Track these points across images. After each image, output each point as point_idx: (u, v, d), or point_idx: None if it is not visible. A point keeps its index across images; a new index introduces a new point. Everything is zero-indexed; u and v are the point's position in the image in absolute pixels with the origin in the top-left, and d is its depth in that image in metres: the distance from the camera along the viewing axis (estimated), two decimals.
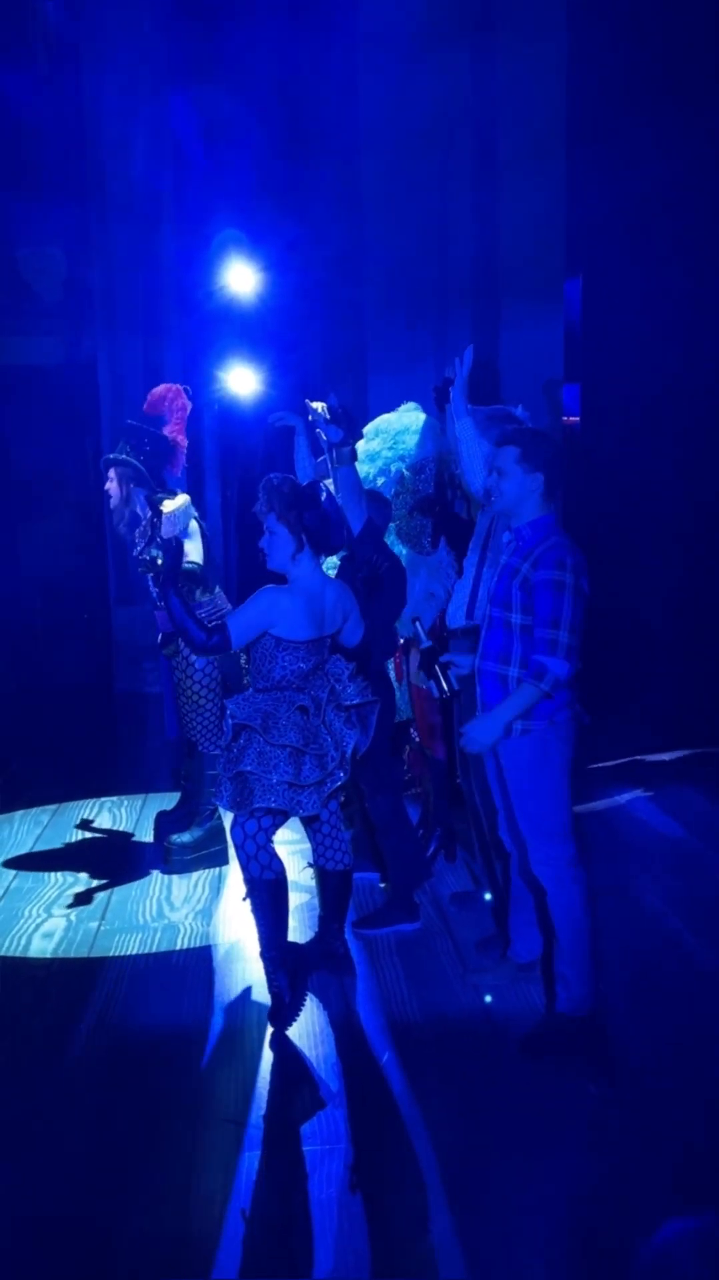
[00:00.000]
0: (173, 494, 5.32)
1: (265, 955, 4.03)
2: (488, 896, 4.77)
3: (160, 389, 5.53)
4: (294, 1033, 3.94)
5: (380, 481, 5.12)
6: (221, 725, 5.39)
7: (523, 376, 8.51)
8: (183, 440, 5.46)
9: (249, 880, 4.01)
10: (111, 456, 5.36)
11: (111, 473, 5.36)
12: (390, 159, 8.51)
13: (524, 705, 3.65)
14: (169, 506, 5.25)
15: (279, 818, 4.02)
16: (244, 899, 4.12)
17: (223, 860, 5.50)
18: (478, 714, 3.88)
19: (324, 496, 4.03)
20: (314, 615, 3.99)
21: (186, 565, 5.28)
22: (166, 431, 5.41)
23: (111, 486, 5.38)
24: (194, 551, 5.33)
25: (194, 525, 5.36)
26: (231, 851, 5.55)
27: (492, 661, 3.81)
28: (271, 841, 4.00)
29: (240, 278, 8.21)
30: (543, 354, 8.58)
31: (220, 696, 5.41)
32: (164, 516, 5.23)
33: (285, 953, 4.04)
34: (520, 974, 4.22)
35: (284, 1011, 3.95)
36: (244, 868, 4.00)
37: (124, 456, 5.31)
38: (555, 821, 3.79)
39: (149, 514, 5.34)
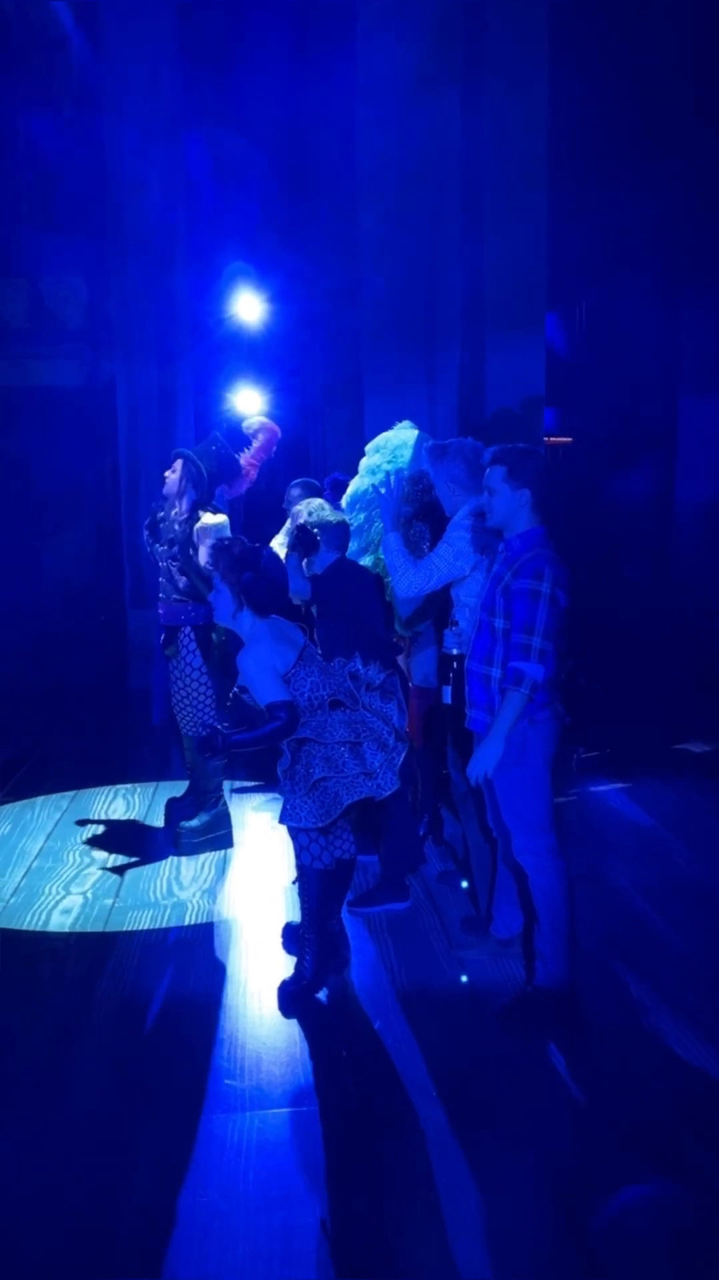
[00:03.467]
0: (216, 511, 5.31)
1: (305, 936, 4.01)
2: (464, 884, 4.76)
3: (267, 424, 5.64)
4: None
5: (383, 491, 5.14)
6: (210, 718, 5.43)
7: (506, 401, 8.54)
8: (251, 473, 5.48)
9: (300, 867, 3.99)
10: (185, 451, 5.31)
11: (178, 464, 5.31)
12: (386, 197, 8.52)
13: (514, 715, 3.60)
14: (208, 519, 5.23)
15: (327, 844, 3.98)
16: (293, 883, 4.10)
17: (228, 843, 5.50)
18: (466, 712, 3.89)
19: (266, 558, 3.96)
20: (282, 639, 3.94)
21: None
22: (244, 454, 5.43)
23: (172, 476, 5.31)
24: None
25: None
26: (238, 835, 5.58)
27: (477, 662, 3.80)
28: (323, 835, 3.95)
29: (247, 307, 8.24)
30: (525, 379, 8.60)
31: (216, 691, 5.41)
32: (198, 527, 5.21)
33: (323, 939, 4.02)
34: (500, 949, 4.23)
35: (301, 990, 3.95)
36: (297, 856, 3.98)
37: (192, 454, 5.27)
38: (536, 813, 3.78)
39: (186, 516, 5.30)
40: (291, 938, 4.30)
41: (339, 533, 4.79)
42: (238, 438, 5.46)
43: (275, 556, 4.02)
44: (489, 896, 4.33)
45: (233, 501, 6.03)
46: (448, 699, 4.32)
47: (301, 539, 4.68)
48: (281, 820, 3.92)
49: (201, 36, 8.84)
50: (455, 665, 4.23)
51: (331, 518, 4.81)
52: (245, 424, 5.57)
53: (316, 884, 3.97)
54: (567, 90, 8.50)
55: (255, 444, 5.59)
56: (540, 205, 8.56)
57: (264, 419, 5.64)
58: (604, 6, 8.67)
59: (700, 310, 9.00)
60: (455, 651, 4.24)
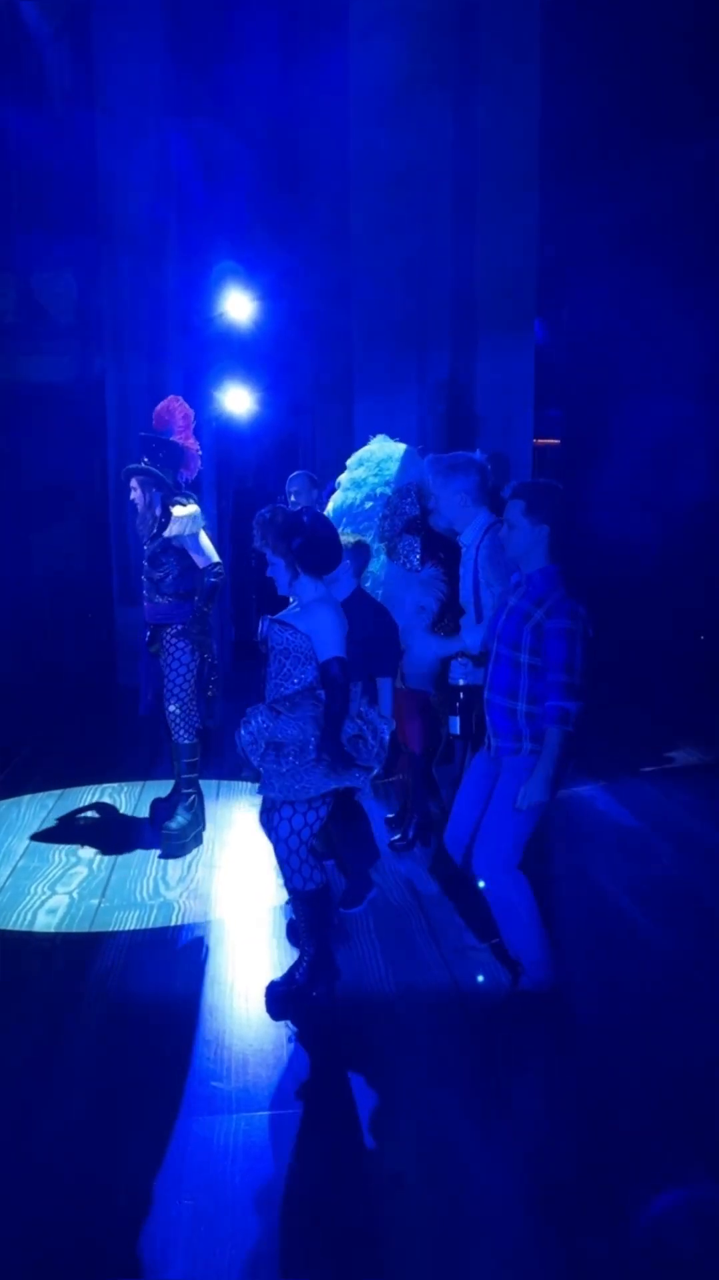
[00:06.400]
0: (184, 499, 5.34)
1: (304, 946, 3.99)
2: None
3: (163, 403, 5.54)
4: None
5: (369, 506, 5.13)
6: (193, 716, 5.42)
7: (497, 401, 8.54)
8: (191, 444, 5.45)
9: (293, 891, 3.93)
10: (131, 467, 5.37)
11: (134, 481, 5.36)
12: (376, 197, 8.50)
13: (557, 751, 3.68)
14: (180, 511, 5.27)
15: (316, 823, 3.88)
16: (286, 902, 4.09)
17: (200, 840, 5.52)
18: (491, 741, 3.89)
19: (310, 520, 3.92)
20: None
21: (216, 576, 5.31)
22: (175, 438, 5.41)
23: (136, 495, 5.38)
24: (211, 554, 5.37)
25: (203, 536, 5.35)
26: (226, 835, 5.56)
27: (500, 696, 3.83)
28: (313, 853, 3.91)
29: (237, 305, 8.22)
30: (515, 380, 8.60)
31: (197, 689, 5.41)
32: (173, 519, 5.26)
33: (321, 952, 3.97)
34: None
35: (289, 993, 3.92)
36: (287, 880, 3.92)
37: (141, 465, 5.32)
38: (517, 835, 3.81)
39: (160, 514, 5.34)
40: (295, 932, 4.28)
41: (359, 555, 4.78)
42: (161, 436, 5.45)
43: (320, 515, 3.98)
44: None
45: (221, 504, 6.01)
46: (455, 729, 4.33)
47: None
48: (283, 794, 3.80)
49: (191, 34, 8.81)
50: (463, 695, 4.24)
51: (351, 539, 4.76)
52: (155, 420, 5.52)
53: (310, 907, 3.94)
54: (559, 91, 8.50)
55: (175, 424, 5.49)
56: (531, 205, 8.57)
57: (162, 402, 5.57)
58: (597, 8, 8.67)
59: (699, 309, 9.01)
60: (463, 683, 4.24)
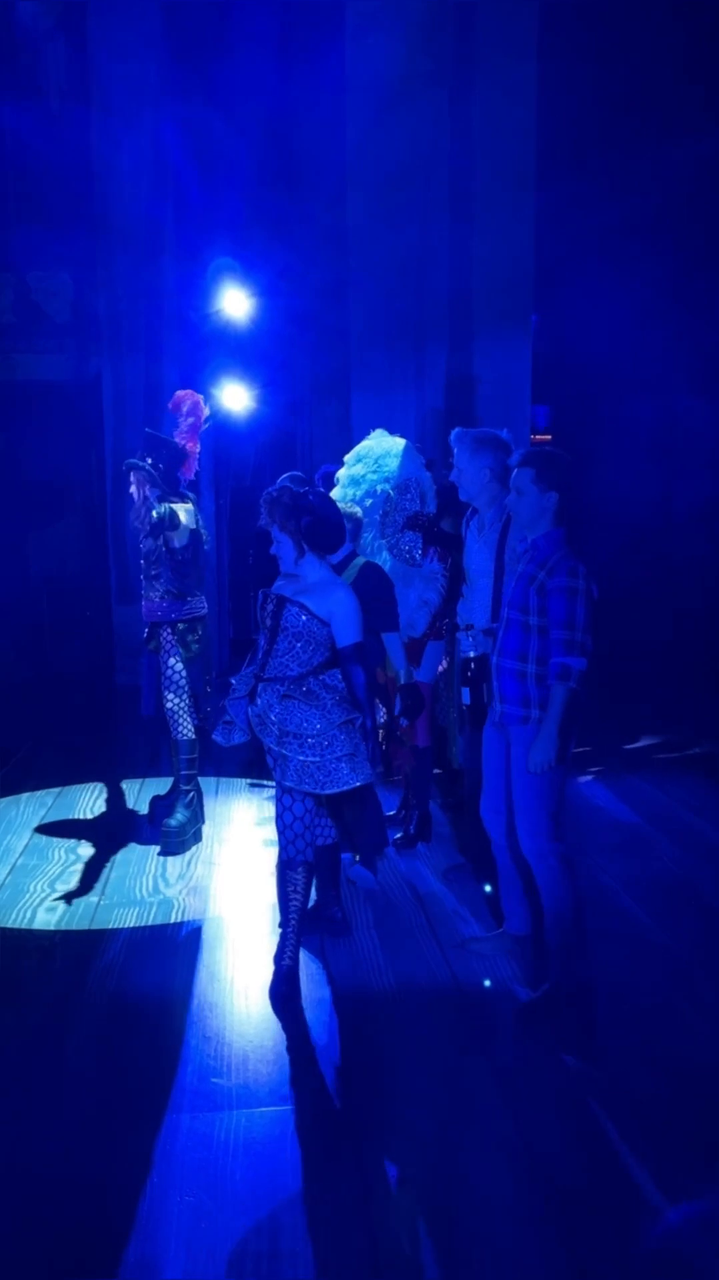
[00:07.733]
0: (182, 498, 5.34)
1: (285, 929, 4.00)
2: (488, 888, 4.73)
3: (184, 395, 5.50)
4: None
5: (369, 503, 5.12)
6: (192, 713, 5.43)
7: (494, 398, 8.53)
8: (191, 446, 5.44)
9: (286, 860, 3.96)
10: (130, 462, 5.39)
11: (133, 476, 5.38)
12: (373, 194, 8.50)
13: (563, 707, 3.67)
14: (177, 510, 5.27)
15: (315, 804, 3.99)
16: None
17: (199, 838, 5.51)
18: (497, 707, 3.88)
19: (316, 500, 3.98)
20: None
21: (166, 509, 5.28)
22: (176, 437, 5.40)
23: (135, 489, 5.39)
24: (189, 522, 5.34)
25: (186, 517, 5.34)
26: (225, 831, 5.55)
27: (510, 659, 3.83)
28: (310, 829, 3.96)
29: (234, 302, 8.18)
30: (512, 377, 8.60)
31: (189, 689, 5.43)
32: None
33: (300, 930, 4.02)
34: (516, 946, 4.20)
35: (287, 984, 3.94)
36: (284, 847, 3.95)
37: (138, 462, 5.34)
38: (549, 810, 3.79)
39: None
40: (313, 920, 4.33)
41: (352, 524, 4.78)
42: (162, 436, 5.45)
43: (324, 496, 4.04)
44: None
45: (219, 501, 5.99)
46: (467, 699, 4.36)
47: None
48: (309, 786, 3.85)
49: (187, 30, 8.80)
50: (473, 666, 4.27)
51: (345, 508, 4.78)
52: (171, 404, 5.51)
53: (304, 878, 3.97)
54: (556, 88, 8.50)
55: (182, 420, 5.50)
56: (528, 203, 8.57)
57: (183, 393, 5.56)
58: (594, 6, 8.67)
59: (694, 307, 9.01)
60: (473, 655, 4.27)
